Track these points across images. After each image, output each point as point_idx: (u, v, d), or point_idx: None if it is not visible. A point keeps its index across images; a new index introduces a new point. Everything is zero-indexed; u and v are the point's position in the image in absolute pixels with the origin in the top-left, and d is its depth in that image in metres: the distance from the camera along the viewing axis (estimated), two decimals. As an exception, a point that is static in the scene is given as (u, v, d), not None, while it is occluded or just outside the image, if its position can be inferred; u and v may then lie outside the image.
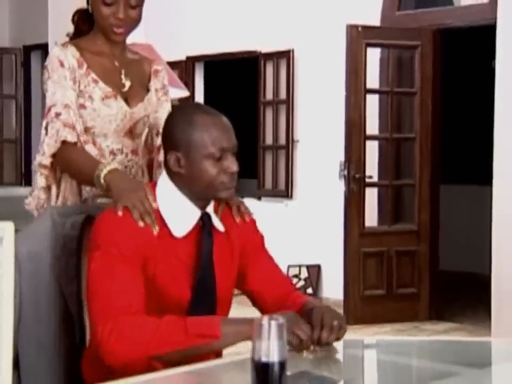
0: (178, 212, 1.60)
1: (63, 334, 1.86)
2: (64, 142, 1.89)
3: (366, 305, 4.73)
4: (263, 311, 1.70)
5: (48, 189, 1.99)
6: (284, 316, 1.42)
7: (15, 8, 7.57)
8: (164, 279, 1.58)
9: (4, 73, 7.44)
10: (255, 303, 1.73)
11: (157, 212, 1.59)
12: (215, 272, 1.65)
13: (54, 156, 1.91)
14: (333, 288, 5.11)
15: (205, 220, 1.62)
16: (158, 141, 2.04)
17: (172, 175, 1.61)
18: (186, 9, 6.08)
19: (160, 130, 2.03)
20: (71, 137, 1.89)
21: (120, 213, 1.57)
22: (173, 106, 1.64)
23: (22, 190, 3.76)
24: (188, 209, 1.61)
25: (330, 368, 1.46)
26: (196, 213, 1.61)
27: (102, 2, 1.92)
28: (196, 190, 1.60)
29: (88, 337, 1.79)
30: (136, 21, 1.98)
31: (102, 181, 1.76)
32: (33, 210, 2.03)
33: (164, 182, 1.63)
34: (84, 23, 2.03)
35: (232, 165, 1.57)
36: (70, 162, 1.91)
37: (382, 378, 1.53)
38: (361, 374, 1.50)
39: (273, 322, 1.23)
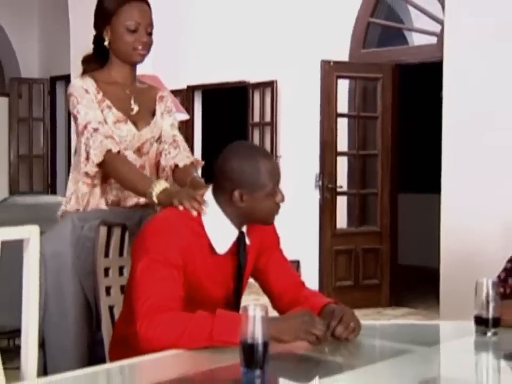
0: (221, 233, 1.58)
1: (82, 321, 1.85)
2: (108, 151, 1.85)
3: (338, 294, 4.72)
4: (272, 298, 1.70)
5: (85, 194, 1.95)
6: (299, 314, 1.45)
7: (43, 46, 7.55)
8: (202, 282, 1.57)
9: (33, 99, 7.41)
10: (266, 290, 1.72)
11: (203, 229, 1.56)
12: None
13: (99, 165, 1.87)
14: (309, 280, 5.04)
15: (240, 237, 1.61)
16: (160, 147, 2.03)
17: (227, 205, 1.57)
18: (187, 47, 6.09)
19: (164, 139, 2.03)
20: (114, 147, 1.87)
21: (165, 212, 1.58)
22: (232, 151, 1.58)
23: (48, 198, 3.73)
24: (229, 230, 1.58)
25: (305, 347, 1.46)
26: (234, 233, 1.59)
27: (127, 31, 1.92)
28: (249, 219, 1.59)
29: (104, 323, 1.78)
30: (151, 45, 1.99)
31: (155, 198, 1.73)
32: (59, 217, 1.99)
33: (211, 205, 1.58)
34: (90, 65, 2.01)
35: (282, 197, 1.59)
36: (118, 171, 1.86)
37: (349, 356, 1.52)
38: (331, 352, 1.49)
39: (258, 310, 1.23)
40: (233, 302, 1.64)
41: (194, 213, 1.56)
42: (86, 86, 1.92)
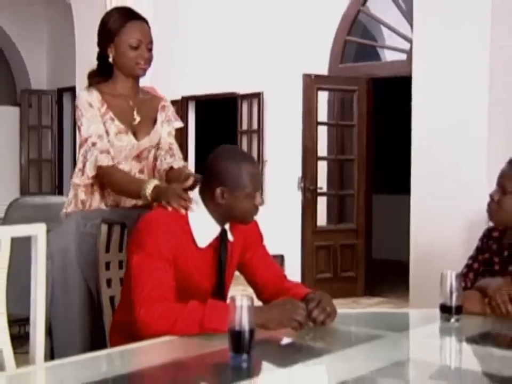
0: (203, 228, 1.57)
1: (85, 310, 1.84)
2: (100, 167, 1.86)
3: (318, 285, 4.73)
4: (257, 289, 1.69)
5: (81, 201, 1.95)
6: (283, 303, 1.46)
7: (51, 60, 7.51)
8: (191, 274, 1.56)
9: (42, 109, 7.38)
10: (251, 283, 1.72)
11: (188, 225, 1.56)
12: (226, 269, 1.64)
13: (94, 177, 1.89)
14: (292, 273, 5.09)
15: (222, 234, 1.60)
16: (157, 153, 2.02)
17: (210, 202, 1.56)
18: (182, 61, 6.08)
19: (161, 146, 2.02)
20: (106, 162, 1.87)
21: (156, 211, 1.57)
22: (220, 152, 1.58)
23: (55, 198, 3.69)
24: (211, 226, 1.58)
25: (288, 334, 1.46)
26: (216, 229, 1.59)
27: (130, 47, 1.90)
28: (228, 216, 1.57)
29: (105, 312, 1.77)
30: (151, 60, 1.97)
31: (149, 197, 1.72)
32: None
33: (197, 202, 1.58)
34: (94, 79, 2.00)
35: (261, 200, 1.58)
36: (111, 182, 1.87)
37: (327, 342, 1.52)
38: (311, 338, 1.50)
39: (244, 300, 1.23)
40: (218, 293, 1.63)
41: (183, 211, 1.56)
42: (91, 99, 1.91)
